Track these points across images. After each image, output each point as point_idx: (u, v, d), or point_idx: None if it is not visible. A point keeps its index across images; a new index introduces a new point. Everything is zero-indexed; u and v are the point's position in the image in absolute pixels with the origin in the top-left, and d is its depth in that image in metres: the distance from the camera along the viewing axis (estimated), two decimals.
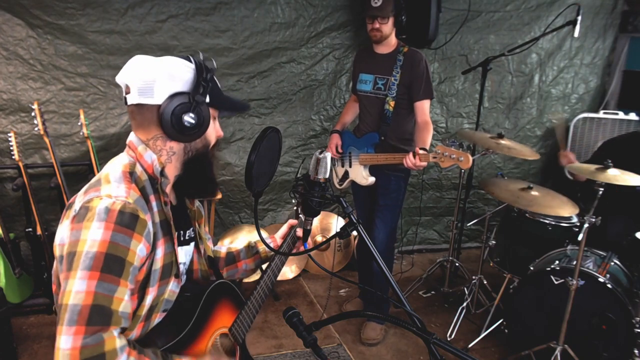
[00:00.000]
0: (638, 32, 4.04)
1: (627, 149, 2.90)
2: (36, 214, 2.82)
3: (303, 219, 1.31)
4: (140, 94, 1.14)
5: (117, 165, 1.17)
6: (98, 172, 2.97)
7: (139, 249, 1.08)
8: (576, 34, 3.02)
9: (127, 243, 1.05)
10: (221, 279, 1.43)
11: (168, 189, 1.23)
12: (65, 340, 0.97)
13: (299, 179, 1.24)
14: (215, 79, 1.23)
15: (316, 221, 3.73)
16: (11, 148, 2.72)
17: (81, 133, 2.91)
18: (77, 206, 1.09)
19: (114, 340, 1.02)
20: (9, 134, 2.72)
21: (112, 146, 3.18)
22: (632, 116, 3.85)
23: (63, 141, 3.08)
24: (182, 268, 1.30)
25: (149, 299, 1.16)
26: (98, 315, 1.00)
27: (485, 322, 2.91)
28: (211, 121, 1.23)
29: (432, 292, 3.46)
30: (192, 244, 1.37)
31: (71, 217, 1.08)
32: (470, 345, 2.82)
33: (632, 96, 4.11)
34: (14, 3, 2.82)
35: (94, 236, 1.03)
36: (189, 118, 1.15)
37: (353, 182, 2.87)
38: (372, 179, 2.76)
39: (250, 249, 1.59)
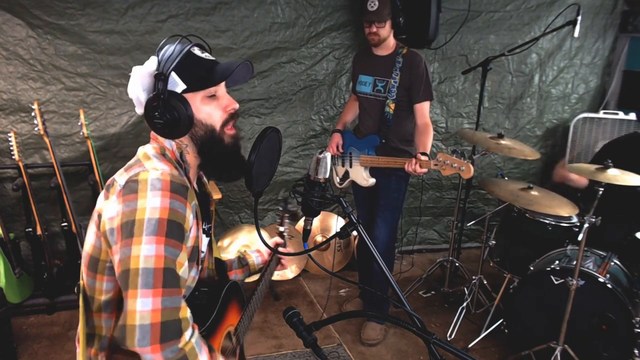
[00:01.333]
0: (638, 32, 4.04)
1: (627, 149, 2.90)
2: (36, 214, 2.82)
3: (286, 236, 1.32)
4: (137, 107, 1.20)
5: (149, 148, 1.20)
6: (98, 172, 3.00)
7: (190, 218, 1.11)
8: (576, 34, 3.02)
9: (184, 210, 1.08)
10: (228, 280, 1.44)
11: (191, 176, 1.25)
12: (144, 303, 0.99)
13: (299, 180, 1.24)
14: (200, 54, 1.19)
15: (316, 221, 3.73)
16: (11, 148, 2.72)
17: (81, 133, 2.91)
18: (121, 181, 1.10)
19: (186, 308, 1.05)
20: (9, 134, 2.72)
21: (112, 146, 3.18)
22: (632, 116, 3.84)
23: (63, 141, 3.08)
24: (201, 256, 1.31)
25: None
26: (171, 278, 1.02)
27: (485, 322, 2.91)
28: (201, 104, 1.18)
29: (432, 292, 3.46)
30: (208, 239, 1.39)
31: (118, 192, 1.09)
32: (470, 345, 2.82)
33: (632, 96, 4.11)
34: (14, 3, 2.82)
35: (153, 204, 1.05)
36: (157, 119, 1.14)
37: (353, 182, 2.87)
38: (372, 180, 2.76)
39: (241, 260, 1.62)
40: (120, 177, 1.13)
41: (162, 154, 1.19)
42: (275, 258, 1.59)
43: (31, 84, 2.97)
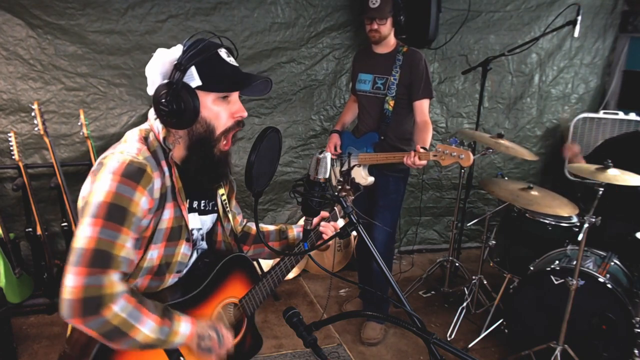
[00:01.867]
0: (638, 32, 4.04)
1: (627, 148, 2.90)
2: (36, 214, 2.82)
3: (337, 213, 1.30)
4: (150, 86, 1.24)
5: (136, 130, 1.27)
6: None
7: (142, 201, 1.15)
8: (576, 34, 3.02)
9: (131, 194, 1.13)
10: (228, 253, 1.47)
11: (178, 161, 1.27)
12: (70, 279, 1.07)
13: (299, 180, 1.24)
14: (226, 57, 1.22)
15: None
16: (11, 148, 2.72)
17: (81, 133, 2.91)
18: (96, 163, 1.20)
19: (113, 284, 1.10)
20: (9, 134, 2.72)
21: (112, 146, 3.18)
22: (632, 116, 3.84)
23: (63, 141, 3.08)
24: (196, 234, 1.36)
25: (152, 254, 1.23)
26: (99, 259, 1.09)
27: (485, 322, 2.91)
28: (212, 104, 1.21)
29: (432, 292, 3.46)
30: (213, 215, 1.43)
31: (91, 172, 1.19)
32: (470, 345, 2.82)
33: (632, 96, 4.11)
34: (14, 3, 2.82)
35: (101, 187, 1.13)
36: (163, 105, 1.17)
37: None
38: (371, 179, 2.76)
39: (281, 233, 1.64)
40: (100, 157, 1.21)
41: (145, 137, 1.24)
42: (314, 234, 1.55)
43: (31, 84, 2.97)
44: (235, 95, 1.25)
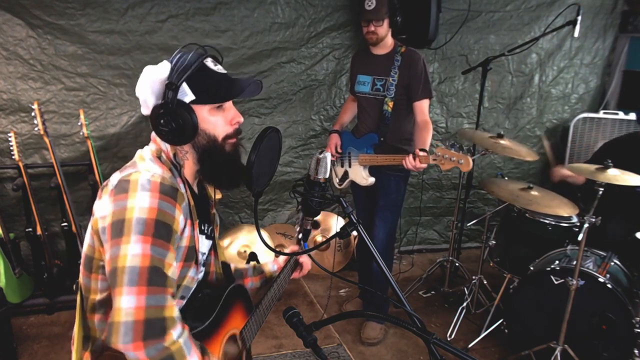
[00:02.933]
0: (638, 32, 4.04)
1: (626, 149, 2.90)
2: (36, 214, 2.82)
3: (301, 241, 1.33)
4: (143, 108, 1.24)
5: (146, 151, 1.24)
6: (98, 172, 3.01)
7: (180, 219, 1.14)
8: (576, 34, 3.02)
9: (172, 211, 1.11)
10: (230, 283, 1.44)
11: (188, 178, 1.27)
12: (128, 300, 1.00)
13: (299, 180, 1.24)
14: (213, 66, 1.21)
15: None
16: (11, 148, 2.72)
17: (81, 133, 2.91)
18: (114, 181, 1.14)
19: (173, 308, 1.06)
20: (9, 134, 2.72)
21: (112, 146, 3.18)
22: (632, 116, 3.84)
23: (63, 141, 3.08)
24: (201, 258, 1.32)
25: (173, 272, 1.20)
26: (157, 276, 1.04)
27: (485, 322, 2.91)
28: (208, 114, 1.21)
29: (432, 292, 3.46)
30: (210, 242, 1.40)
31: (109, 191, 1.12)
32: (470, 345, 2.82)
33: (632, 96, 4.11)
34: (14, 3, 2.82)
35: (142, 204, 1.07)
36: (162, 126, 1.16)
37: (353, 182, 2.87)
38: (371, 180, 2.76)
39: (256, 269, 1.64)
40: (114, 177, 1.16)
41: (158, 157, 1.22)
42: (292, 264, 1.57)
43: (31, 84, 2.97)
44: (229, 103, 1.26)
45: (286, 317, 1.14)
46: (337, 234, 1.21)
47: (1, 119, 2.95)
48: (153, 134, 1.25)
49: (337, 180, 2.93)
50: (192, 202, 1.24)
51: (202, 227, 1.32)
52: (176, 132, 1.17)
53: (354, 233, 1.16)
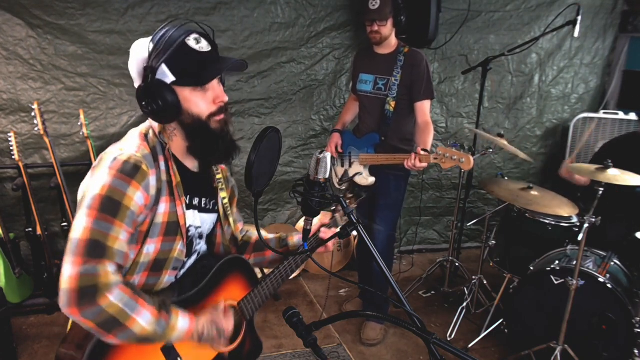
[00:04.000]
0: (638, 32, 4.04)
1: (626, 149, 2.90)
2: (36, 214, 2.82)
3: (337, 220, 1.34)
4: (134, 81, 1.27)
5: (137, 129, 1.31)
6: None
7: (136, 197, 1.18)
8: (576, 34, 3.02)
9: (125, 189, 1.16)
10: (226, 255, 1.47)
11: (179, 155, 1.31)
12: (66, 269, 1.09)
13: (299, 180, 1.24)
14: (194, 45, 1.19)
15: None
16: (11, 148, 2.72)
17: (81, 133, 2.91)
18: (97, 159, 1.23)
19: (108, 274, 1.12)
20: (9, 134, 2.72)
21: None
22: (632, 116, 3.84)
23: (63, 141, 3.08)
24: (192, 231, 1.36)
25: (149, 248, 1.25)
26: (93, 249, 1.11)
27: (485, 322, 2.91)
28: (191, 95, 1.22)
29: (432, 292, 3.46)
30: (214, 215, 1.45)
31: (92, 168, 1.23)
32: (470, 345, 2.82)
33: (632, 96, 4.11)
34: (14, 3, 2.82)
35: (98, 181, 1.17)
36: (144, 107, 1.22)
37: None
38: (372, 179, 2.76)
39: (281, 241, 1.63)
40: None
41: (145, 134, 1.28)
42: (315, 240, 1.55)
43: (31, 84, 2.97)
44: (213, 82, 1.25)
45: (286, 317, 1.13)
46: (337, 234, 1.21)
47: (1, 119, 2.95)
48: None
49: (337, 180, 2.93)
50: (176, 179, 1.27)
51: (194, 202, 1.36)
52: (158, 113, 1.21)
53: (354, 233, 1.16)
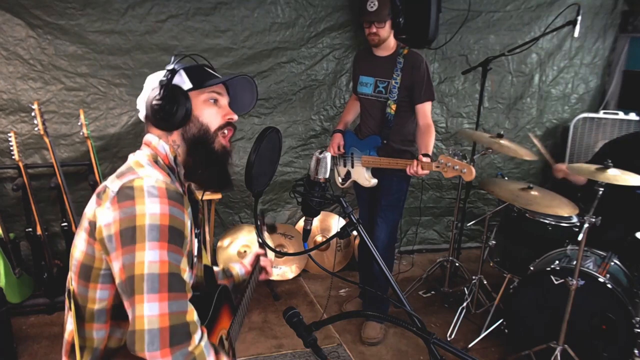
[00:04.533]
0: (638, 32, 4.04)
1: (627, 149, 2.90)
2: (36, 214, 2.82)
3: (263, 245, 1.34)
4: (142, 112, 1.29)
5: (141, 156, 1.21)
6: (98, 172, 3.00)
7: (189, 224, 1.13)
8: (576, 34, 3.02)
9: (182, 217, 1.10)
10: (218, 285, 1.45)
11: (184, 181, 1.28)
12: (151, 307, 1.00)
13: (299, 180, 1.24)
14: (210, 71, 1.29)
15: (316, 221, 3.73)
16: (11, 148, 2.72)
17: (81, 133, 2.92)
18: (114, 188, 1.09)
19: (193, 312, 1.06)
20: (9, 134, 2.72)
21: (112, 146, 3.18)
22: (632, 116, 3.85)
23: (63, 141, 3.08)
24: (195, 261, 1.34)
25: (189, 276, 1.19)
26: (176, 282, 1.04)
27: (485, 322, 2.91)
28: (203, 104, 1.24)
29: (432, 292, 3.46)
30: (197, 246, 1.40)
31: (112, 199, 1.08)
32: (470, 345, 2.82)
33: (632, 96, 4.11)
34: (14, 3, 2.82)
35: (152, 210, 1.05)
36: (156, 106, 1.19)
37: (355, 182, 2.87)
38: (374, 181, 2.77)
39: (225, 272, 1.66)
40: (113, 184, 1.11)
41: (155, 161, 1.20)
42: (258, 267, 1.63)
43: (31, 84, 2.97)
44: (224, 101, 1.29)
45: (286, 317, 1.13)
46: (337, 234, 1.21)
47: (1, 119, 2.95)
48: (146, 138, 1.26)
49: (340, 180, 2.94)
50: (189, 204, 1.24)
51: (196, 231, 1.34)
52: (169, 114, 1.19)
53: (354, 233, 1.16)
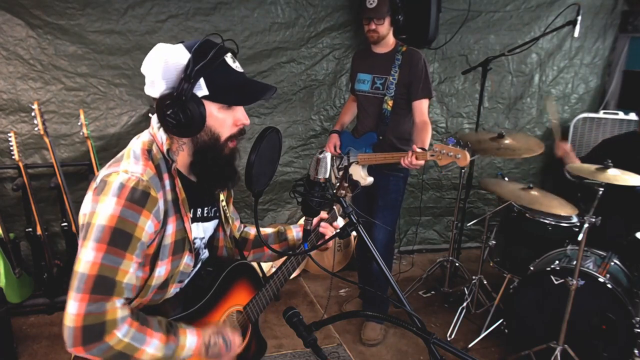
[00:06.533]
0: (638, 32, 4.04)
1: (626, 148, 2.90)
2: (36, 214, 2.82)
3: (336, 213, 1.33)
4: (148, 86, 1.19)
5: (139, 142, 1.22)
6: (98, 172, 3.01)
7: (147, 226, 1.13)
8: (576, 34, 3.02)
9: (136, 219, 1.10)
10: (244, 259, 1.46)
11: (181, 169, 1.25)
12: (72, 305, 1.05)
13: (299, 180, 1.24)
14: (232, 63, 1.18)
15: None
16: (11, 148, 2.72)
17: (81, 133, 2.92)
18: (98, 179, 1.14)
19: (116, 310, 1.08)
20: (9, 134, 2.72)
21: (112, 146, 3.18)
22: (632, 116, 3.84)
23: (63, 141, 3.08)
24: (198, 243, 1.34)
25: (160, 271, 1.21)
26: (102, 286, 1.06)
27: (485, 322, 2.91)
28: (217, 112, 1.18)
29: (432, 292, 3.46)
30: (215, 221, 1.41)
31: (93, 189, 1.14)
32: (470, 345, 2.82)
33: (632, 96, 4.11)
34: (14, 3, 2.82)
35: (105, 210, 1.08)
36: (170, 117, 1.13)
37: None
38: (370, 179, 2.76)
39: (279, 235, 1.62)
40: (101, 172, 1.16)
41: (148, 150, 1.20)
42: (315, 235, 1.54)
43: (31, 84, 2.97)
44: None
45: (286, 317, 1.13)
46: (337, 234, 1.21)
47: (1, 119, 2.95)
48: (154, 119, 1.22)
49: (335, 179, 2.94)
50: (181, 195, 1.22)
51: (197, 214, 1.32)
52: (183, 125, 1.14)
53: (354, 233, 1.16)
